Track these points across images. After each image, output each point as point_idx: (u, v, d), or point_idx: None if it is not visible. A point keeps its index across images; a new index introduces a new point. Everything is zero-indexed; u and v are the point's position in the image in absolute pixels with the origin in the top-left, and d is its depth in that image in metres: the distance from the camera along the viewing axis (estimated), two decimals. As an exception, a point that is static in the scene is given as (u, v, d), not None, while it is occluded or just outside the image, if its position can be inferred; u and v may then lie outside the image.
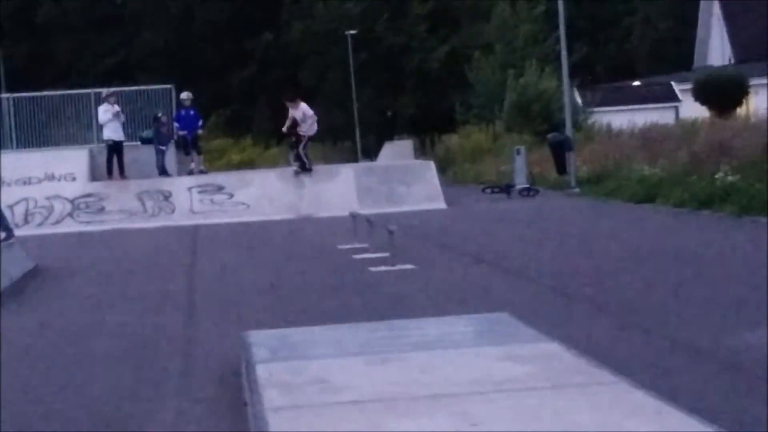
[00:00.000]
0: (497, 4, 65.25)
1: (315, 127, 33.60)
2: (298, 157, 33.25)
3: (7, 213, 30.72)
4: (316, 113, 73.73)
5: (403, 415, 6.63)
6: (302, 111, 32.88)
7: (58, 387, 9.86)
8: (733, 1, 61.52)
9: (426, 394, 7.19)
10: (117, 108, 32.44)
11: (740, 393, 8.01)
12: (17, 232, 26.69)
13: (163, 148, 33.69)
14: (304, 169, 32.87)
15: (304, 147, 33.24)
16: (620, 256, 17.73)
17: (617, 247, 19.18)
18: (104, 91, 34.10)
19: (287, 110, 33.24)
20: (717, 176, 26.00)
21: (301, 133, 32.82)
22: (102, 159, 33.01)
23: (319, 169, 34.64)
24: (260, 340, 9.45)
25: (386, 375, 7.85)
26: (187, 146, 34.82)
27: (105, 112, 32.34)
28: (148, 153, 33.83)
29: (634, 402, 6.69)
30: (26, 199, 31.53)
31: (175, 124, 34.46)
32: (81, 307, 15.37)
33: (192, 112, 34.70)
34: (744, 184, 24.52)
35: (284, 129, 33.80)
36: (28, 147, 35.48)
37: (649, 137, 37.90)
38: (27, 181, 31.91)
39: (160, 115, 34.28)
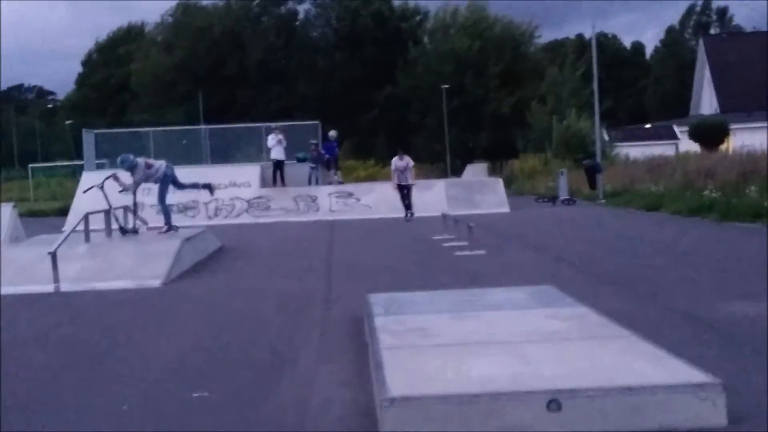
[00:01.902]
0: (549, 67, 65.10)
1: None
2: (408, 206, 28.54)
3: (201, 209, 31.33)
4: (418, 144, 73.15)
5: (477, 355, 6.63)
6: (406, 162, 28.32)
7: (236, 327, 10.01)
8: (719, 68, 60.62)
9: (493, 341, 7.20)
10: (281, 136, 32.70)
11: (714, 344, 7.94)
12: (210, 223, 27.14)
13: (313, 166, 33.99)
14: (411, 215, 28.44)
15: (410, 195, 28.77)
16: (630, 246, 17.56)
17: (631, 240, 18.97)
18: (272, 125, 34.44)
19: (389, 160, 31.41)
20: (704, 193, 25.74)
21: (409, 183, 28.51)
22: (269, 172, 33.31)
23: (421, 182, 34.61)
24: (378, 300, 9.50)
25: (465, 327, 7.85)
26: (330, 165, 35.12)
27: (272, 139, 32.64)
28: (301, 169, 34.05)
29: (642, 350, 6.62)
30: (216, 199, 31.84)
31: (322, 151, 34.82)
32: (252, 274, 15.56)
33: (334, 143, 35.14)
34: (723, 199, 24.29)
35: (393, 185, 28.79)
36: (218, 163, 35.90)
37: (655, 164, 37.54)
38: (217, 187, 32.24)
39: (313, 142, 34.62)
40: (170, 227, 18.92)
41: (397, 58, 76.34)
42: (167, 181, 18.86)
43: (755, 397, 6.16)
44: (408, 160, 28.42)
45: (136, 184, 18.31)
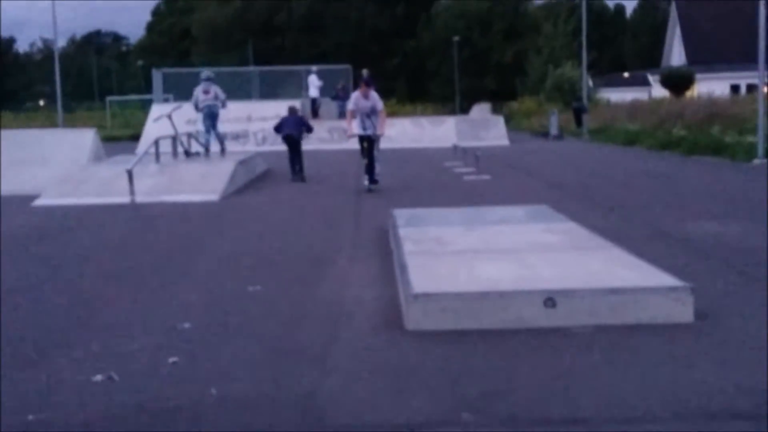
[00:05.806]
0: (545, 23, 64.39)
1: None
2: (371, 168, 15.12)
3: (251, 137, 31.23)
4: (434, 88, 71.18)
5: (486, 261, 6.62)
6: (373, 102, 14.86)
7: (282, 233, 10.04)
8: (688, 26, 59.72)
9: (499, 249, 7.20)
10: (317, 78, 32.62)
11: (671, 249, 7.90)
12: (258, 149, 27.02)
13: (341, 103, 33.67)
14: (374, 183, 15.10)
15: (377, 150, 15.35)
16: (611, 174, 17.46)
17: (610, 169, 18.83)
18: (313, 68, 34.01)
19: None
20: (673, 131, 25.53)
21: (374, 134, 15.06)
22: (308, 108, 33.23)
23: (434, 118, 34.39)
24: (401, 214, 9.48)
25: (475, 237, 7.85)
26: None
27: (316, 80, 32.70)
28: (334, 105, 33.89)
29: (623, 259, 6.60)
30: (263, 129, 31.80)
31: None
32: (295, 191, 15.57)
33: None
34: (689, 136, 24.09)
35: (349, 132, 15.47)
36: (266, 98, 35.70)
37: (632, 107, 37.22)
38: (264, 118, 32.15)
39: (338, 84, 34.43)
40: (222, 150, 18.97)
41: (420, 13, 76.03)
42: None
43: (717, 300, 6.14)
44: (375, 99, 14.97)
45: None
